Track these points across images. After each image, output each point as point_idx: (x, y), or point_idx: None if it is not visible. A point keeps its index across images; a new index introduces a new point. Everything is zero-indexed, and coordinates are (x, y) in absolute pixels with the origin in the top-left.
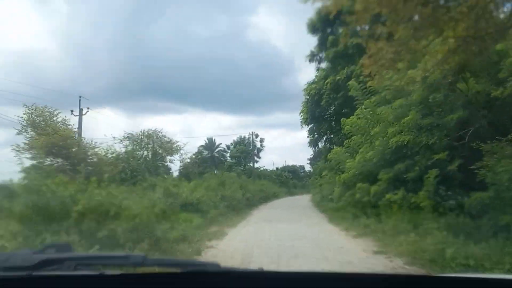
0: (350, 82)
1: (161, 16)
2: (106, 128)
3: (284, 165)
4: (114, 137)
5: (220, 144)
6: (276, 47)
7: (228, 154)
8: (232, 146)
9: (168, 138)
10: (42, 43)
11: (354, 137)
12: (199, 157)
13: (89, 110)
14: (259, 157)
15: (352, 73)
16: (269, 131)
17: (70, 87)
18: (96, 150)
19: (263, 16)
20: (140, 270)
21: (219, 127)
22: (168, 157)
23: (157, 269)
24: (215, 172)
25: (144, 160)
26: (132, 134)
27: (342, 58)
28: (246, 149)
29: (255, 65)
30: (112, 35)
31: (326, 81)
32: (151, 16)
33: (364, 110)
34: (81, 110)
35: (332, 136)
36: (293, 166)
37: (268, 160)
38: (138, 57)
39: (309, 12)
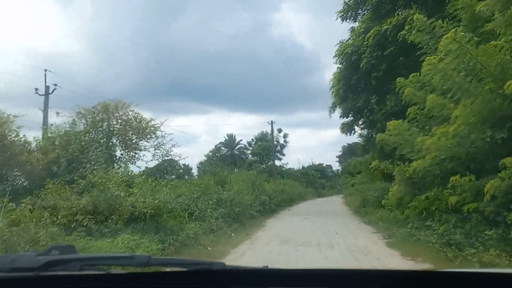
0: (415, 16)
1: (183, 14)
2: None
3: (311, 163)
4: (58, 113)
5: (241, 141)
6: (301, 45)
7: (249, 152)
8: (253, 143)
9: (136, 112)
10: (69, 44)
11: (432, 95)
12: (217, 154)
13: (57, 87)
14: (283, 154)
15: (405, 20)
16: (294, 131)
17: (97, 88)
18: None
19: (287, 13)
20: (146, 270)
21: (243, 127)
22: (141, 142)
23: (162, 269)
24: (235, 170)
25: (97, 145)
26: (86, 109)
27: (390, 4)
28: (268, 145)
29: (279, 63)
30: (135, 35)
31: (368, 35)
32: (173, 14)
33: (462, 34)
34: (47, 88)
35: (371, 117)
36: (320, 164)
37: (294, 159)
38: (162, 56)
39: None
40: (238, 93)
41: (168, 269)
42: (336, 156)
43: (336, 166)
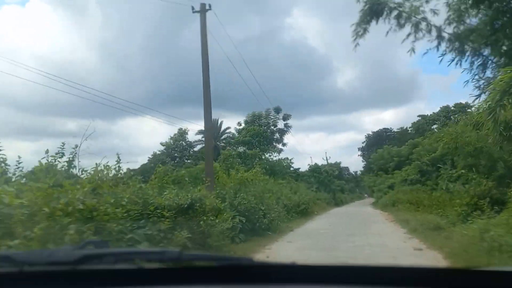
0: None
1: (195, 21)
2: (149, 136)
3: (325, 160)
4: None
5: (228, 129)
6: (313, 49)
7: (233, 140)
8: (240, 128)
9: None
10: (82, 53)
11: None
12: (181, 142)
13: None
14: (283, 143)
15: None
16: (308, 135)
17: (110, 96)
18: None
19: (298, 17)
20: (177, 265)
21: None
22: None
23: (193, 264)
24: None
25: None
26: None
27: None
28: (261, 131)
29: (291, 68)
30: (147, 42)
31: None
32: (184, 21)
33: None
34: None
35: None
36: (337, 163)
37: (304, 163)
38: (174, 62)
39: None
40: (249, 98)
41: (198, 264)
42: (358, 149)
43: (353, 168)
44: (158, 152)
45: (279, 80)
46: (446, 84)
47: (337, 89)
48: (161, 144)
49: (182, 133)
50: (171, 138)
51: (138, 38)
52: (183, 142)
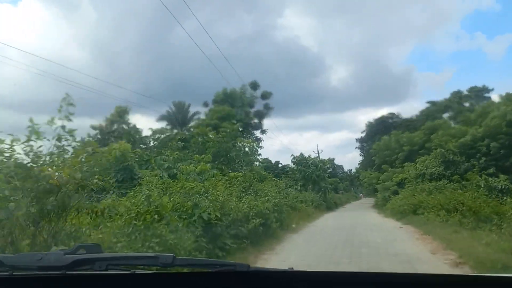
0: None
1: (186, 19)
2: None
3: (316, 153)
4: None
5: (198, 114)
6: (305, 47)
7: (192, 124)
8: (208, 109)
9: None
10: (72, 51)
11: None
12: (114, 127)
13: None
14: (262, 130)
15: None
16: (302, 134)
17: (100, 94)
18: None
19: (290, 16)
20: (170, 270)
21: None
22: None
23: (186, 270)
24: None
25: None
26: None
27: None
28: (232, 111)
29: (283, 66)
30: (138, 40)
31: None
32: (176, 19)
33: None
34: None
35: None
36: (330, 159)
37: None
38: (165, 61)
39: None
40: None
41: (192, 270)
42: (356, 140)
43: (347, 167)
44: (89, 139)
45: (272, 79)
46: (441, 82)
47: (330, 87)
48: (93, 127)
49: (120, 113)
50: (107, 119)
51: (130, 36)
52: (123, 125)
